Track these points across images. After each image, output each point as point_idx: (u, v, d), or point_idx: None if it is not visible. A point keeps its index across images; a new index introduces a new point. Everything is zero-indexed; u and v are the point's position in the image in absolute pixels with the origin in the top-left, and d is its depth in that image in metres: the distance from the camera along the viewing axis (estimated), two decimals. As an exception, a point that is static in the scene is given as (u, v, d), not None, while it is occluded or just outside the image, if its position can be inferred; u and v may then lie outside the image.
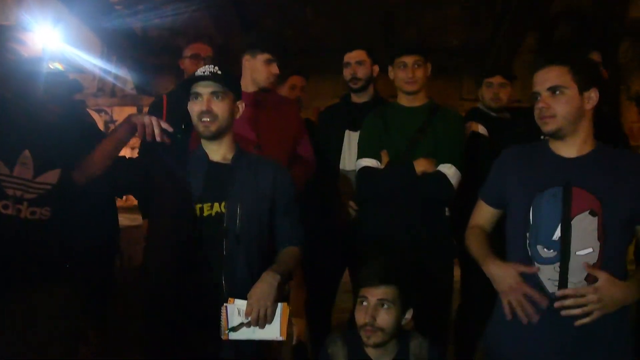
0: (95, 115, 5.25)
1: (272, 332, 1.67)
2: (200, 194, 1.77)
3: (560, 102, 1.59)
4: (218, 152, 1.85)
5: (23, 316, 1.77)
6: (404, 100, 2.48)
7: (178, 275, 1.74)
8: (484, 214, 1.85)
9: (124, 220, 4.12)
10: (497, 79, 2.88)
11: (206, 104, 1.77)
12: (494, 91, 2.88)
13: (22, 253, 1.77)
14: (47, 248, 1.83)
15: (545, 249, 1.59)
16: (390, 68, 2.47)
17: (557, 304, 1.55)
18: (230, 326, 1.65)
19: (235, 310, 1.66)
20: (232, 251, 1.74)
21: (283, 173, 1.90)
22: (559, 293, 1.55)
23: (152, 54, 5.34)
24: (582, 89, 1.60)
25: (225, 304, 1.66)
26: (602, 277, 1.51)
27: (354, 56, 2.77)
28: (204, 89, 1.78)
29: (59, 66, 1.84)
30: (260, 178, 1.84)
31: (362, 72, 2.76)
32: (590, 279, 1.54)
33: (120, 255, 3.66)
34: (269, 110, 2.42)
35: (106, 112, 5.55)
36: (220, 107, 1.78)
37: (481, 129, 2.71)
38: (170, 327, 1.73)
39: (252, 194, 1.81)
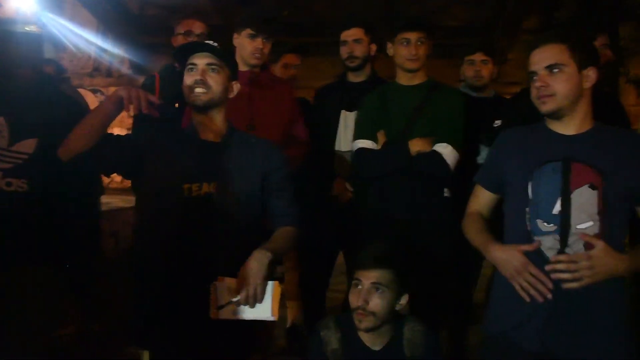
0: (90, 96, 5.21)
1: (263, 311, 1.61)
2: (189, 173, 1.72)
3: (559, 80, 1.56)
4: (209, 129, 1.80)
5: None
6: (403, 79, 2.43)
7: (166, 257, 1.69)
8: (481, 199, 1.82)
9: (118, 201, 4.11)
10: (478, 56, 2.83)
11: (200, 74, 1.73)
12: (476, 69, 2.83)
13: (5, 226, 1.74)
14: (24, 222, 1.79)
15: (545, 223, 1.57)
16: (389, 44, 2.41)
17: (548, 267, 1.53)
18: (219, 304, 1.60)
19: (225, 288, 1.61)
20: (222, 232, 1.70)
21: (275, 151, 1.86)
22: (553, 258, 1.54)
23: (149, 33, 5.25)
24: (581, 66, 1.57)
25: (214, 282, 1.61)
26: (599, 245, 1.50)
27: (351, 34, 2.70)
28: (200, 60, 1.74)
29: (34, 29, 1.77)
30: (252, 157, 1.80)
31: (359, 51, 2.69)
32: (589, 249, 1.52)
33: (116, 237, 3.65)
34: (262, 90, 2.38)
35: (102, 93, 5.47)
36: (214, 80, 1.74)
37: None
38: (159, 307, 1.70)
39: (244, 173, 1.76)
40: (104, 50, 5.21)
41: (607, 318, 1.55)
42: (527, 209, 1.61)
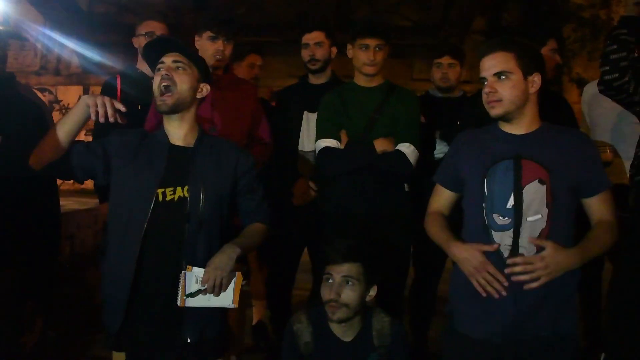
0: (38, 95, 5.04)
1: (226, 299, 1.73)
2: (162, 178, 1.75)
3: (506, 87, 1.68)
4: (179, 134, 1.82)
5: None
6: (361, 81, 2.50)
7: (138, 259, 1.72)
8: (441, 198, 1.90)
9: (73, 204, 4.02)
10: (445, 59, 2.93)
11: (166, 70, 1.74)
12: (443, 71, 2.93)
13: None
14: None
15: (500, 217, 1.68)
16: (349, 46, 2.48)
17: (507, 270, 1.64)
18: (187, 292, 1.70)
19: (193, 277, 1.70)
20: (193, 235, 1.75)
21: (245, 155, 1.90)
22: (510, 261, 1.64)
23: (99, 31, 5.15)
24: (527, 73, 1.69)
25: (183, 271, 1.70)
26: (548, 246, 1.61)
27: (313, 37, 2.75)
28: (167, 59, 1.76)
29: None
30: (223, 161, 1.83)
31: (320, 54, 2.75)
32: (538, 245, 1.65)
33: (71, 240, 3.56)
34: (224, 91, 2.39)
35: (50, 92, 5.30)
36: (180, 78, 1.75)
37: None
38: (133, 308, 1.73)
39: (215, 177, 1.80)
40: (52, 48, 5.05)
41: (561, 293, 1.69)
42: (484, 204, 1.71)
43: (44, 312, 2.48)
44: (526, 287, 1.63)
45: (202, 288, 1.69)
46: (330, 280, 1.86)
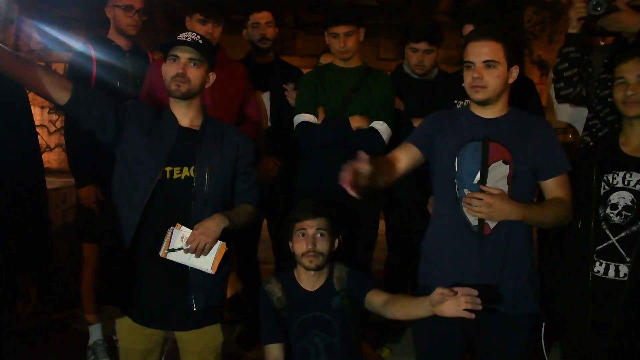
0: None
1: (205, 263, 1.85)
2: (170, 157, 1.85)
3: (493, 75, 1.79)
4: (186, 116, 1.93)
5: None
6: (339, 62, 2.61)
7: (142, 233, 1.84)
8: (405, 151, 1.95)
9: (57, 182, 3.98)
10: (422, 45, 2.80)
11: (182, 67, 1.85)
12: (419, 57, 2.82)
13: None
14: None
15: (468, 191, 1.82)
16: (326, 33, 2.58)
17: (464, 200, 1.77)
18: (170, 247, 1.82)
19: (180, 235, 1.82)
20: (199, 212, 1.86)
21: (245, 139, 2.02)
22: (468, 194, 1.78)
23: (60, 6, 5.01)
24: (510, 65, 1.82)
25: (171, 227, 1.82)
26: (496, 191, 1.76)
27: (263, 17, 2.86)
28: (183, 54, 1.86)
29: None
30: (226, 144, 1.96)
31: (270, 33, 2.88)
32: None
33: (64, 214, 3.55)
34: (215, 71, 2.44)
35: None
36: (194, 74, 1.87)
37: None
38: (130, 274, 1.86)
39: (219, 158, 1.92)
40: (11, 24, 4.88)
41: (521, 273, 1.86)
42: (455, 180, 1.86)
43: (37, 284, 2.50)
44: (474, 214, 1.77)
45: (185, 247, 1.81)
46: (304, 235, 2.06)
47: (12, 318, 1.98)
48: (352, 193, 1.61)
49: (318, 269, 2.07)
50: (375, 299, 2.00)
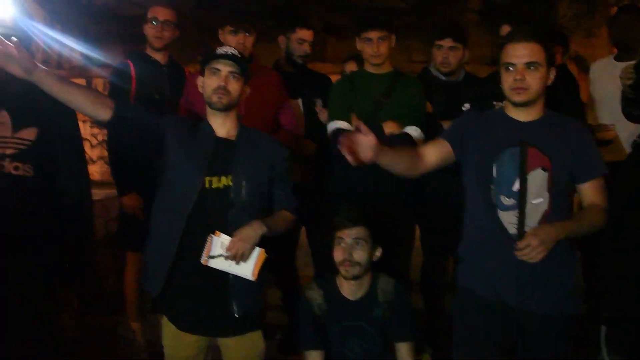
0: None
1: (245, 270, 1.90)
2: (209, 167, 1.92)
3: (535, 77, 1.78)
4: (223, 127, 2.00)
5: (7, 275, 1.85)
6: (370, 68, 2.64)
7: (183, 241, 1.90)
8: (436, 146, 1.93)
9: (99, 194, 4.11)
10: (446, 42, 2.76)
11: (223, 80, 1.93)
12: (444, 54, 2.77)
13: (7, 207, 1.84)
14: (31, 205, 1.90)
15: (506, 198, 1.81)
16: (357, 39, 2.61)
17: (518, 254, 1.73)
18: (210, 254, 1.88)
19: (219, 242, 1.88)
20: (237, 220, 1.91)
21: (280, 148, 2.08)
22: (518, 244, 1.73)
23: (98, 22, 5.17)
24: (549, 67, 1.81)
25: (211, 235, 1.88)
26: (535, 230, 1.72)
27: (309, 35, 2.96)
28: (224, 67, 1.94)
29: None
30: (261, 153, 2.01)
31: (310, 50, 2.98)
32: (543, 223, 1.78)
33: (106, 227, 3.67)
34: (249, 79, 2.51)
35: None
36: (234, 86, 1.95)
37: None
38: (172, 279, 1.92)
39: (255, 167, 1.98)
40: (54, 41, 5.06)
41: (560, 274, 1.83)
42: (492, 186, 1.84)
43: (80, 296, 2.59)
44: (531, 261, 1.72)
45: (225, 254, 1.86)
46: (342, 244, 2.08)
47: (55, 327, 2.07)
48: (349, 158, 1.66)
49: (355, 278, 2.08)
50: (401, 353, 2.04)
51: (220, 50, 1.97)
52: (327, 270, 2.25)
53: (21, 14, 1.95)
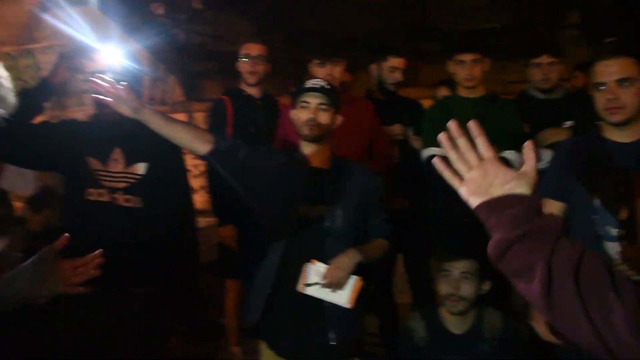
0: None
1: (341, 298, 1.92)
2: (304, 196, 1.96)
3: (629, 93, 1.67)
4: (317, 157, 2.03)
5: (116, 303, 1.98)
6: (463, 92, 2.61)
7: (280, 269, 1.95)
8: (553, 211, 1.86)
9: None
10: (545, 59, 2.77)
11: (313, 112, 1.97)
12: (543, 72, 2.77)
13: (119, 237, 1.97)
14: (141, 235, 2.04)
15: (613, 229, 1.68)
16: (449, 62, 2.60)
17: None
18: (307, 282, 1.91)
19: (315, 270, 1.91)
20: (332, 248, 1.93)
21: (373, 177, 2.10)
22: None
23: (196, 60, 5.50)
24: None
25: (307, 263, 1.92)
26: None
27: (401, 62, 3.00)
28: (313, 100, 1.99)
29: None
30: (355, 181, 2.03)
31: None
32: None
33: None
34: (342, 109, 2.55)
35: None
36: (324, 117, 1.99)
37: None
38: (271, 305, 1.95)
39: (349, 196, 2.00)
40: (157, 80, 5.46)
41: None
42: (594, 217, 1.71)
43: (185, 321, 2.72)
44: None
45: (321, 282, 1.90)
46: (448, 277, 2.01)
47: (163, 352, 2.17)
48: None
49: (460, 314, 2.02)
50: None
51: (309, 83, 2.02)
52: (425, 298, 2.20)
53: (129, 59, 2.12)
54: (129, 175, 2.06)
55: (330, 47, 2.67)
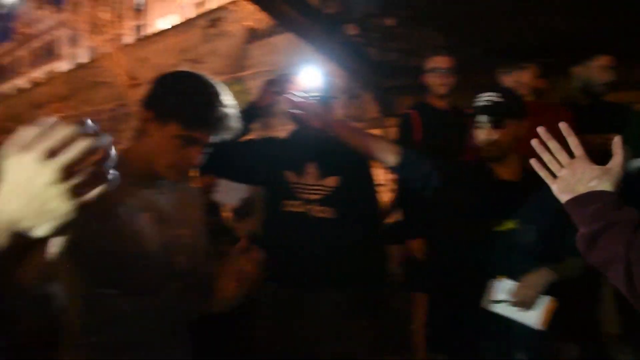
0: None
1: (531, 318, 1.82)
2: (492, 210, 1.90)
3: None
4: (506, 170, 1.97)
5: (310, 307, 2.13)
6: None
7: (466, 285, 1.92)
8: None
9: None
10: None
11: (487, 134, 1.92)
12: None
13: (312, 247, 2.12)
14: (332, 244, 2.15)
15: None
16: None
17: None
18: (494, 299, 1.85)
19: (503, 287, 1.84)
20: (522, 265, 1.85)
21: None
22: None
23: (390, 76, 5.62)
24: None
25: (494, 279, 1.85)
26: None
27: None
28: (484, 119, 1.94)
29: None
30: (548, 195, 1.86)
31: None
32: None
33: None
34: (534, 118, 2.43)
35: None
36: (499, 135, 1.91)
37: None
38: (455, 317, 1.93)
39: (542, 210, 1.88)
40: (353, 98, 5.73)
41: None
42: None
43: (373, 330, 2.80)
44: None
45: (510, 300, 1.82)
46: None
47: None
48: None
49: None
50: None
51: (478, 102, 1.94)
52: (637, 330, 1.95)
53: (325, 79, 2.25)
54: (323, 188, 2.19)
55: (523, 53, 2.52)
